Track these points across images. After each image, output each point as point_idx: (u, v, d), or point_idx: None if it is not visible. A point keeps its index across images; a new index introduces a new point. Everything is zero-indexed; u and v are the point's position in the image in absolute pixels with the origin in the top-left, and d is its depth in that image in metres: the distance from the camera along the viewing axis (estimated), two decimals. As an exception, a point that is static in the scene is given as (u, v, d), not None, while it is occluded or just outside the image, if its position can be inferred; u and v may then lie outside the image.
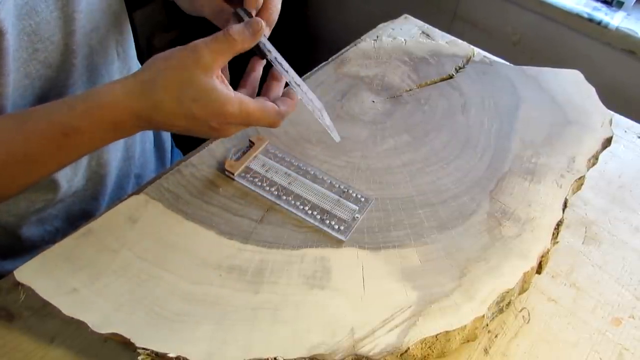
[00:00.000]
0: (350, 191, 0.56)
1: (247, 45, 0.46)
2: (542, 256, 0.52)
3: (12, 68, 0.48)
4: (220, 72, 0.46)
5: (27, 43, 0.50)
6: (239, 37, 0.45)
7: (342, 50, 0.77)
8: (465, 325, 0.45)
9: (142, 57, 0.70)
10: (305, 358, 0.43)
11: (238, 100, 0.44)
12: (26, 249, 0.62)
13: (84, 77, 0.58)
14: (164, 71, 0.44)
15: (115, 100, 0.44)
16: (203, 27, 0.58)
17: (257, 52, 0.50)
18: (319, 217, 0.53)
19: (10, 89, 0.49)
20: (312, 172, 0.57)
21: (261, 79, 0.54)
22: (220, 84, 0.44)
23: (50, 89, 0.54)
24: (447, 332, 0.45)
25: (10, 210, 0.60)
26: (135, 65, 0.70)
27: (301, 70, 0.58)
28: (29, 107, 0.53)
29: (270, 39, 0.52)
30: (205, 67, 0.43)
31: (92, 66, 0.58)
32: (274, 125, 0.48)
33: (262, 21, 0.46)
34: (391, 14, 0.88)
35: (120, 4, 0.62)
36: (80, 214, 0.66)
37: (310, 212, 0.53)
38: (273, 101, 0.49)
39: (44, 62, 0.52)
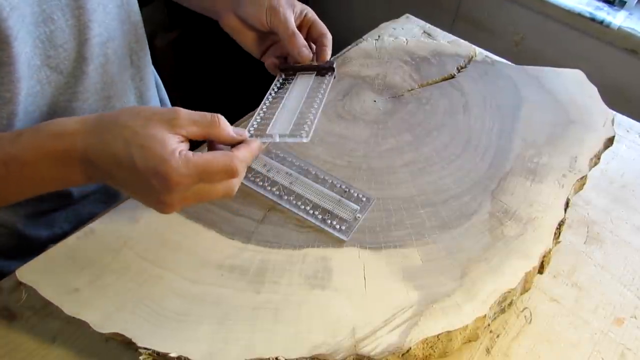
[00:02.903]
0: (352, 191, 0.56)
1: (223, 137, 0.43)
2: (544, 256, 0.52)
3: (25, 74, 0.48)
4: (187, 140, 0.42)
5: (40, 50, 0.50)
6: (222, 125, 0.43)
7: (344, 50, 0.77)
8: (467, 325, 0.45)
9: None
10: (306, 358, 0.43)
11: (184, 156, 0.39)
12: (34, 250, 0.62)
13: (97, 85, 0.58)
14: (130, 114, 0.41)
15: (65, 132, 0.41)
16: (205, 27, 0.59)
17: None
18: (320, 217, 0.53)
19: (22, 95, 0.49)
20: (314, 172, 0.57)
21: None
22: (176, 143, 0.40)
23: (60, 95, 0.54)
24: (448, 332, 0.45)
25: (17, 211, 0.60)
26: (150, 72, 0.70)
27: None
28: (40, 112, 0.53)
29: None
30: (172, 124, 0.40)
31: (106, 74, 0.58)
32: (233, 173, 0.41)
33: (246, 134, 0.45)
34: (393, 14, 0.88)
35: (138, 14, 0.62)
36: (89, 217, 0.66)
37: (311, 212, 0.53)
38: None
39: (55, 68, 0.52)
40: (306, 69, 0.57)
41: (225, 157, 0.41)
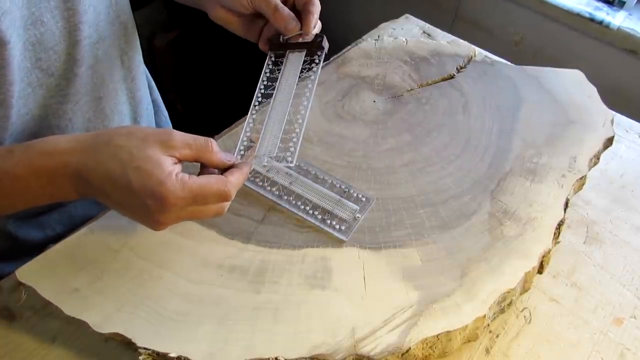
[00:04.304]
0: (351, 191, 0.56)
1: (214, 162, 0.44)
2: (544, 256, 0.52)
3: (16, 78, 0.48)
4: (180, 162, 0.43)
5: (31, 53, 0.50)
6: (214, 150, 0.43)
7: (344, 50, 0.77)
8: (467, 325, 0.45)
9: (143, 58, 0.70)
10: (306, 358, 0.43)
11: (180, 180, 0.40)
12: (26, 252, 0.62)
13: (88, 86, 0.58)
14: (125, 136, 0.41)
15: (55, 150, 0.41)
16: (204, 27, 0.59)
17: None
18: (320, 217, 0.53)
19: (15, 98, 0.49)
20: (313, 172, 0.57)
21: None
22: (171, 165, 0.41)
23: (52, 97, 0.54)
24: (448, 332, 0.45)
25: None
26: (142, 73, 0.69)
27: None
28: (32, 115, 0.53)
29: None
30: (166, 146, 0.41)
31: (96, 75, 0.58)
32: (226, 197, 0.43)
33: (234, 159, 0.46)
34: (392, 14, 0.88)
35: (128, 13, 0.62)
36: (82, 219, 0.66)
37: (311, 212, 0.53)
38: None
39: (46, 70, 0.52)
40: (296, 46, 0.55)
41: (219, 182, 0.42)
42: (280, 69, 0.55)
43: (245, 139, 0.51)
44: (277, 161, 0.49)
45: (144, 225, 0.43)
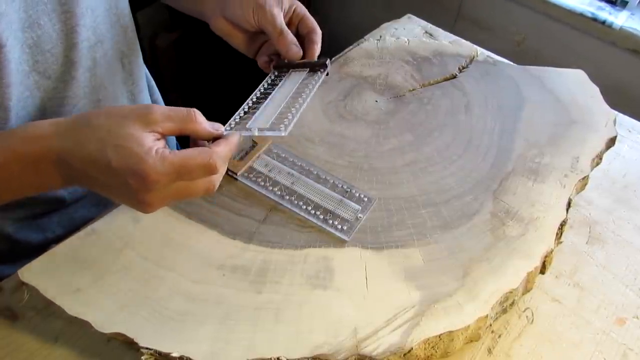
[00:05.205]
0: (353, 191, 0.56)
1: (199, 132, 0.43)
2: (546, 256, 0.51)
3: (13, 80, 0.48)
4: (163, 138, 0.41)
5: (28, 55, 0.49)
6: (198, 119, 0.42)
7: (345, 50, 0.77)
8: (469, 325, 0.45)
9: (145, 58, 0.70)
10: (308, 358, 0.43)
11: (160, 155, 0.39)
12: (27, 255, 0.62)
13: (87, 89, 0.57)
14: (104, 115, 0.40)
15: (38, 135, 0.41)
16: (206, 27, 0.59)
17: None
18: (321, 217, 0.53)
19: (13, 101, 0.49)
20: (315, 172, 0.57)
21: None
22: (152, 141, 0.39)
23: (50, 100, 0.54)
24: (450, 332, 0.45)
25: (8, 215, 0.60)
26: (143, 75, 0.69)
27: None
28: (30, 117, 0.53)
29: None
30: (147, 122, 0.40)
31: (95, 78, 0.58)
32: (212, 169, 0.40)
33: (222, 129, 0.44)
34: (394, 14, 0.88)
35: (128, 17, 0.62)
36: (82, 221, 0.66)
37: (313, 212, 0.53)
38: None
39: (43, 73, 0.52)
40: (299, 66, 0.56)
41: (204, 154, 0.40)
42: (282, 79, 0.55)
43: (237, 118, 0.49)
44: (269, 131, 0.46)
45: (132, 207, 0.42)
